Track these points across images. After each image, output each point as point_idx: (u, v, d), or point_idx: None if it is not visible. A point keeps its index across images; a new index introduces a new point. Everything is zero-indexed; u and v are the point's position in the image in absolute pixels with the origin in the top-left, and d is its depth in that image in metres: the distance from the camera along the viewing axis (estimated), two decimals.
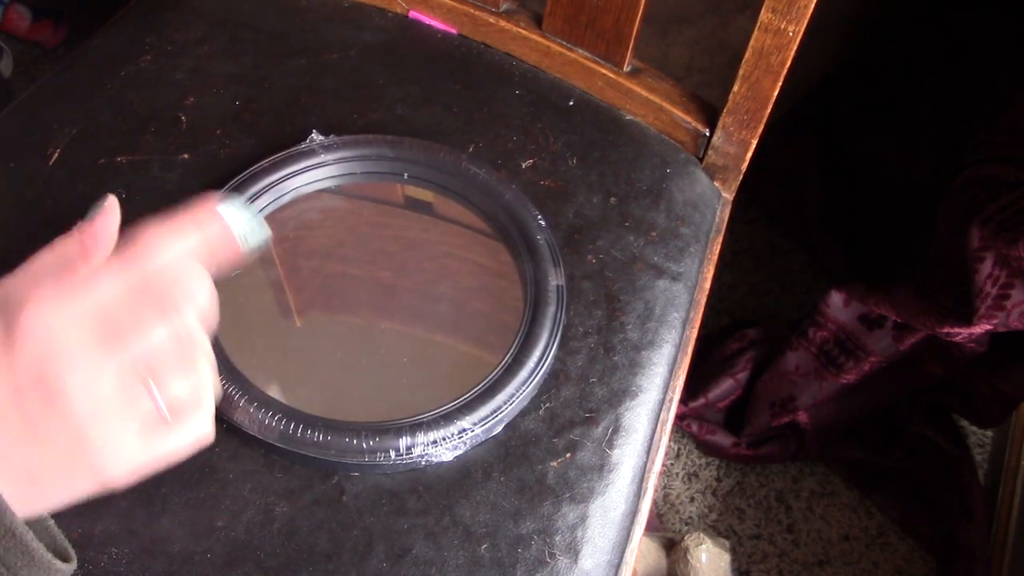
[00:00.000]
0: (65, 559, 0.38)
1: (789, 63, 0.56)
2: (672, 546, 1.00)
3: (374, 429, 0.47)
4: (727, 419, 1.11)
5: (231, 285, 0.49)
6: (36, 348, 0.34)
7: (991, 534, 1.03)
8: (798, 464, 1.12)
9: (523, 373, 0.49)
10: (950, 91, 1.02)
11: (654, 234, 0.58)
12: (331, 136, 0.56)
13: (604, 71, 0.63)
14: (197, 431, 0.38)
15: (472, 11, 0.64)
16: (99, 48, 0.63)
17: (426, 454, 0.47)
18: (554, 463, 0.49)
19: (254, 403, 0.46)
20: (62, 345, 0.34)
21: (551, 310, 0.51)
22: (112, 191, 0.53)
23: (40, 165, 0.54)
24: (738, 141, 0.61)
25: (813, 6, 0.53)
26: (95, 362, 0.35)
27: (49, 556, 0.36)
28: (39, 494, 0.36)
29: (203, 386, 0.37)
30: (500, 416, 0.48)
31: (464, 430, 0.47)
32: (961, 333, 0.83)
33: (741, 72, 0.57)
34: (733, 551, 1.04)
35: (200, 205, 0.38)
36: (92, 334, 0.35)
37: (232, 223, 0.39)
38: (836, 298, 0.94)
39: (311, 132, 0.56)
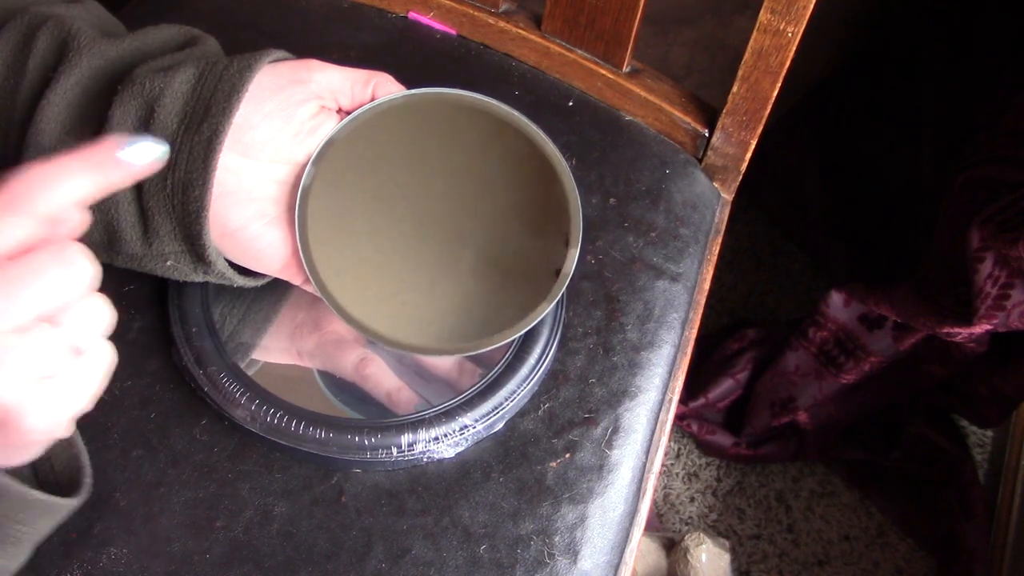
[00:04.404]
0: (77, 492, 0.38)
1: (788, 64, 0.56)
2: (672, 546, 1.00)
3: (376, 426, 0.47)
4: (727, 419, 1.11)
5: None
6: None
7: (991, 534, 1.03)
8: (798, 464, 1.12)
9: (524, 370, 0.49)
10: (950, 91, 1.02)
11: (653, 235, 0.58)
12: None
13: (603, 72, 0.63)
14: (104, 357, 0.36)
15: (471, 12, 0.64)
16: None
17: (428, 451, 0.47)
18: (553, 464, 0.49)
19: (255, 400, 0.47)
20: None
21: (550, 310, 0.51)
22: None
23: None
24: (737, 142, 0.61)
25: (812, 7, 0.53)
26: None
27: (22, 488, 0.35)
28: None
29: (97, 319, 0.35)
30: (501, 412, 0.48)
31: (465, 426, 0.47)
32: (961, 333, 0.83)
33: (740, 73, 0.57)
34: (733, 551, 1.04)
35: (96, 146, 0.35)
36: None
37: (135, 160, 0.36)
38: (836, 298, 0.94)
39: None
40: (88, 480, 0.39)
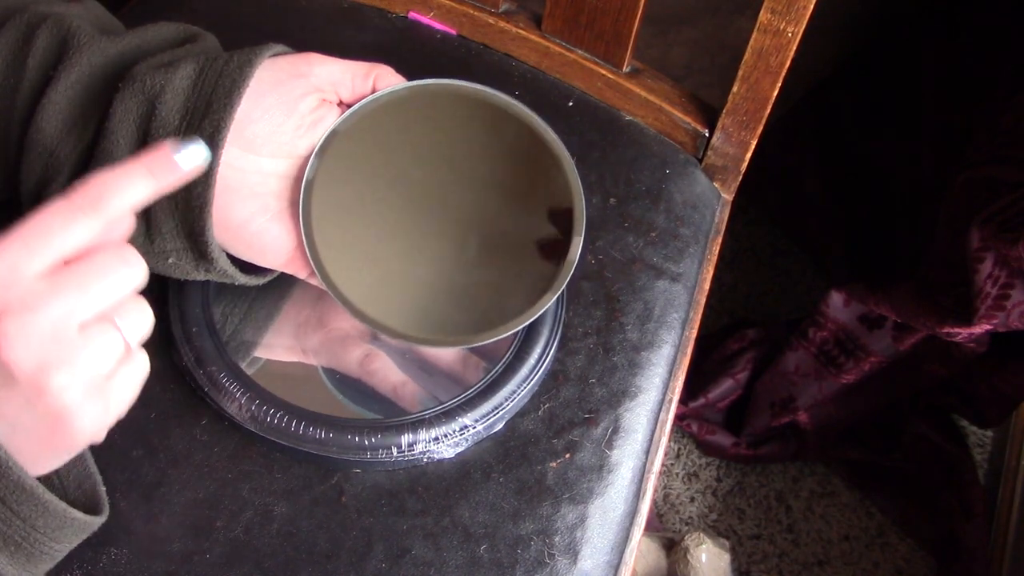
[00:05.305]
0: (95, 510, 0.39)
1: (788, 64, 0.56)
2: (672, 546, 1.00)
3: (376, 426, 0.47)
4: (727, 419, 1.11)
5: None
6: None
7: (991, 534, 1.03)
8: (798, 464, 1.12)
9: (524, 370, 0.49)
10: (950, 92, 1.02)
11: (653, 235, 0.58)
12: None
13: (603, 72, 0.63)
14: (144, 363, 0.38)
15: (471, 12, 0.64)
16: None
17: (428, 451, 0.47)
18: (553, 464, 0.49)
19: (256, 400, 0.47)
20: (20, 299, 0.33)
21: (551, 309, 0.51)
22: None
23: None
24: (737, 142, 0.61)
25: (812, 7, 0.53)
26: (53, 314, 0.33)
27: (63, 506, 0.36)
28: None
29: (143, 323, 0.37)
30: (501, 412, 0.48)
31: (466, 427, 0.47)
32: (961, 333, 0.83)
33: (740, 73, 0.57)
34: (733, 551, 1.04)
35: (154, 152, 0.37)
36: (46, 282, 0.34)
37: (186, 164, 0.38)
38: (836, 298, 0.94)
39: None
40: (105, 497, 0.40)
